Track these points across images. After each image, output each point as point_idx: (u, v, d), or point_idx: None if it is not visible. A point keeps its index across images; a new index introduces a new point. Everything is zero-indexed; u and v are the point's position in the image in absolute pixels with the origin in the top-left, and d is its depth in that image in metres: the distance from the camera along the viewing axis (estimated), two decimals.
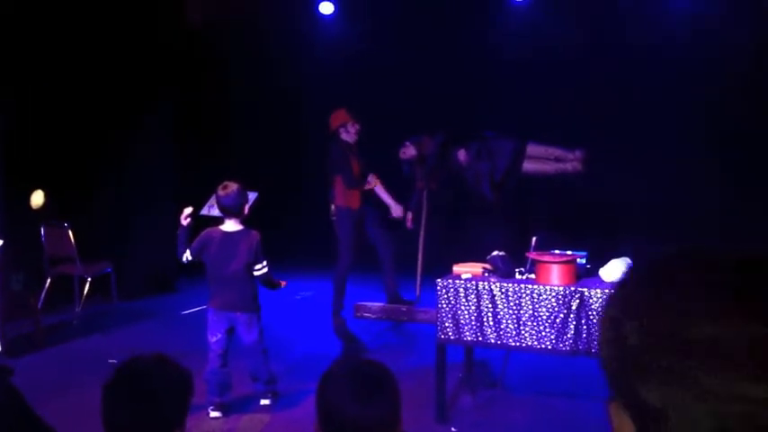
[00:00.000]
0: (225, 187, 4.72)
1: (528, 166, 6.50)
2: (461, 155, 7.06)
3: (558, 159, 6.38)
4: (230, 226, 4.75)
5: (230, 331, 4.76)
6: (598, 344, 0.81)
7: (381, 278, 7.28)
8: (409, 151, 7.39)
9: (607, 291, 4.10)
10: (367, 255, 7.28)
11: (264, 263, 4.72)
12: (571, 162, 6.32)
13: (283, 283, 4.97)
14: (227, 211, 4.74)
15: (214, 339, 4.72)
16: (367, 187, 6.82)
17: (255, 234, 4.74)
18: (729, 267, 0.74)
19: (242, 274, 4.68)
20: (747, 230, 7.99)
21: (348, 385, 1.66)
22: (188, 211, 4.79)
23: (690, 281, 0.74)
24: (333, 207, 6.92)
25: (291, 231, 9.89)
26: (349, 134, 6.87)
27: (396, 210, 6.91)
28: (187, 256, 4.76)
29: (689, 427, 0.70)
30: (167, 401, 1.90)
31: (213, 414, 4.66)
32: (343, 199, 6.75)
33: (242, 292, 4.70)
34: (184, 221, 4.77)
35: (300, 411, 4.80)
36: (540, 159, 6.53)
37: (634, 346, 0.74)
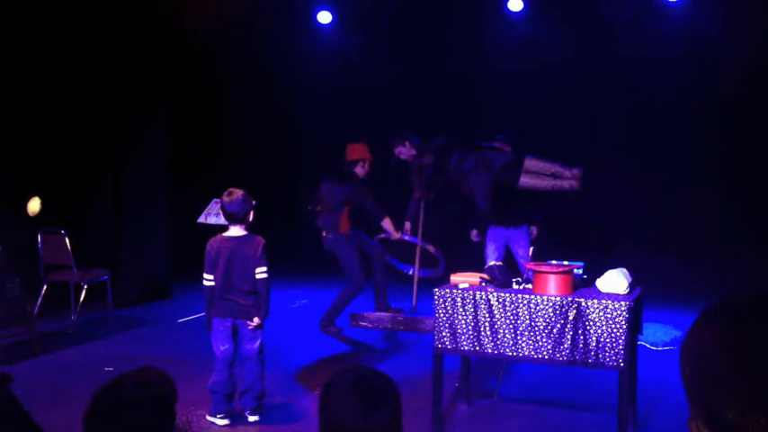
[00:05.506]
0: (230, 194, 4.69)
1: (525, 180, 6.48)
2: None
3: (555, 175, 6.37)
4: (235, 232, 4.73)
5: (234, 338, 4.74)
6: (681, 369, 0.92)
7: (372, 286, 7.28)
8: (405, 151, 7.42)
9: (605, 301, 4.11)
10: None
11: (265, 269, 4.68)
12: (568, 180, 6.30)
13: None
14: (232, 218, 4.71)
15: (222, 349, 4.68)
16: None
17: (260, 239, 4.72)
18: None
19: (247, 279, 4.65)
20: (742, 241, 8.01)
21: (351, 395, 1.65)
22: None
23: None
24: (328, 234, 6.88)
25: (287, 240, 9.88)
26: (363, 170, 6.95)
27: (395, 234, 7.10)
28: (209, 280, 4.71)
29: None
30: (150, 428, 1.87)
31: (221, 422, 4.66)
32: (339, 226, 6.81)
33: (247, 299, 4.67)
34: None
35: (299, 422, 4.79)
36: (537, 174, 6.52)
37: (721, 371, 0.86)
